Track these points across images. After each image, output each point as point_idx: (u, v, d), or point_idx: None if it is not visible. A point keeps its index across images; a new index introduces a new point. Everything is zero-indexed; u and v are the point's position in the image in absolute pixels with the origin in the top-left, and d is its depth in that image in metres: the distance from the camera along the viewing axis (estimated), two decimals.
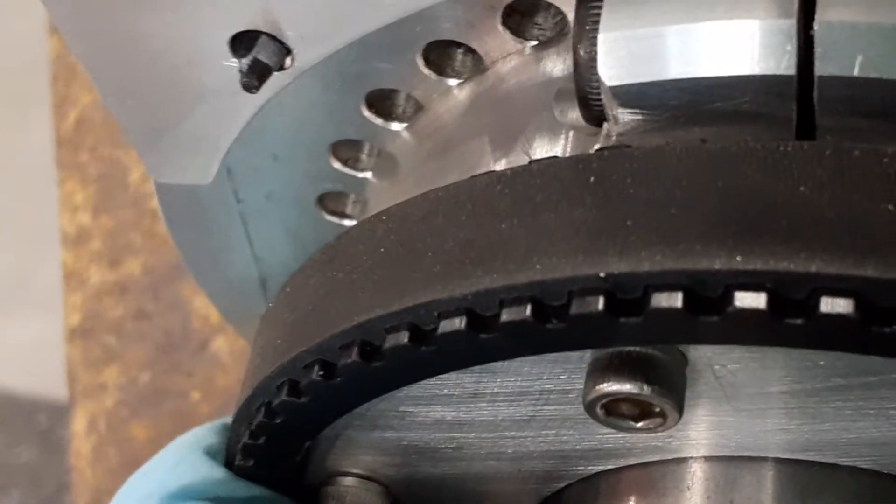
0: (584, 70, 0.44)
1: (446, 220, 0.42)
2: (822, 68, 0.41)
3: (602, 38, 0.43)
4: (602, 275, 0.38)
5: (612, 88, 0.43)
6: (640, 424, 0.43)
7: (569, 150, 0.47)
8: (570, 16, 0.46)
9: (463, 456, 0.49)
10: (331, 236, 0.48)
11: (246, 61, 0.47)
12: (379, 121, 0.53)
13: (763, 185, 0.38)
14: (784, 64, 0.41)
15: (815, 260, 0.36)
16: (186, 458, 0.50)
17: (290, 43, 0.48)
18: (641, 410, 0.43)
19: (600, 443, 0.47)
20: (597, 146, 0.44)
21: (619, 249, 0.38)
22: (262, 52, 0.47)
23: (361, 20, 0.47)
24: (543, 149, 0.47)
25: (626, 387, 0.41)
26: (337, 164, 0.55)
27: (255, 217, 0.58)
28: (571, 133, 0.47)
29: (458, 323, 0.40)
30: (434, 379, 0.44)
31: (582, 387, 0.42)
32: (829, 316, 0.36)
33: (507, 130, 0.49)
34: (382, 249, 0.44)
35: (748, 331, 0.38)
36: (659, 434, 0.44)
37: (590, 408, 0.42)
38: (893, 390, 0.41)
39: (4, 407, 1.75)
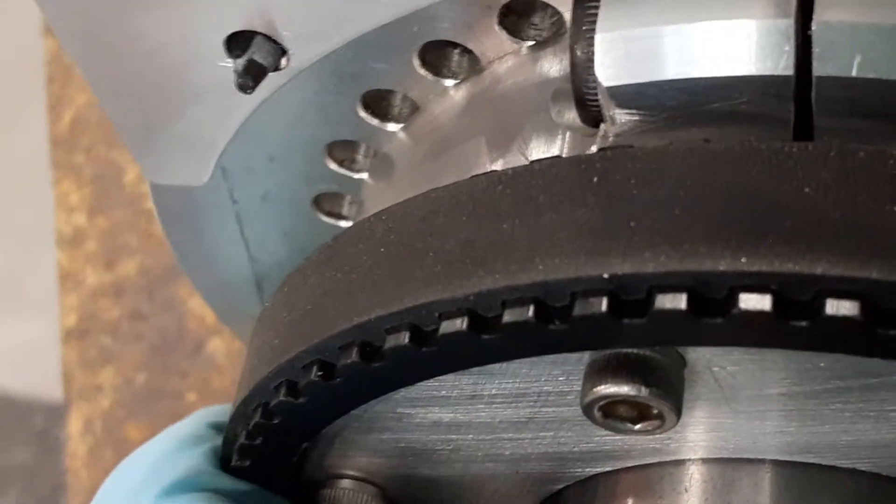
0: (581, 70, 0.44)
1: (447, 219, 0.42)
2: (820, 69, 0.41)
3: (599, 39, 0.42)
4: (605, 276, 0.38)
5: (609, 89, 0.43)
6: (637, 426, 0.43)
7: (566, 150, 0.46)
8: (567, 16, 0.46)
9: (460, 458, 0.48)
10: (326, 237, 0.48)
11: (241, 61, 0.47)
12: (375, 121, 0.53)
13: (767, 185, 0.38)
14: (782, 64, 0.41)
15: (821, 261, 0.36)
16: (183, 448, 0.49)
17: (286, 43, 0.47)
18: (639, 412, 0.43)
19: (598, 445, 0.46)
20: (595, 147, 0.44)
21: (623, 250, 0.38)
22: (258, 53, 0.47)
23: (357, 20, 0.47)
24: (540, 149, 0.47)
25: (624, 389, 0.41)
26: (333, 165, 0.55)
27: (251, 218, 0.58)
28: (568, 134, 0.47)
29: (460, 324, 0.40)
30: (432, 380, 0.44)
31: (580, 389, 0.42)
32: (834, 318, 0.36)
33: (503, 131, 0.49)
34: (382, 249, 0.43)
35: (752, 333, 0.38)
36: (657, 436, 0.44)
37: (588, 410, 0.42)
38: (893, 392, 0.41)
39: (0, 408, 1.74)
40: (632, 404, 0.42)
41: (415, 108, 0.52)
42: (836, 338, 0.37)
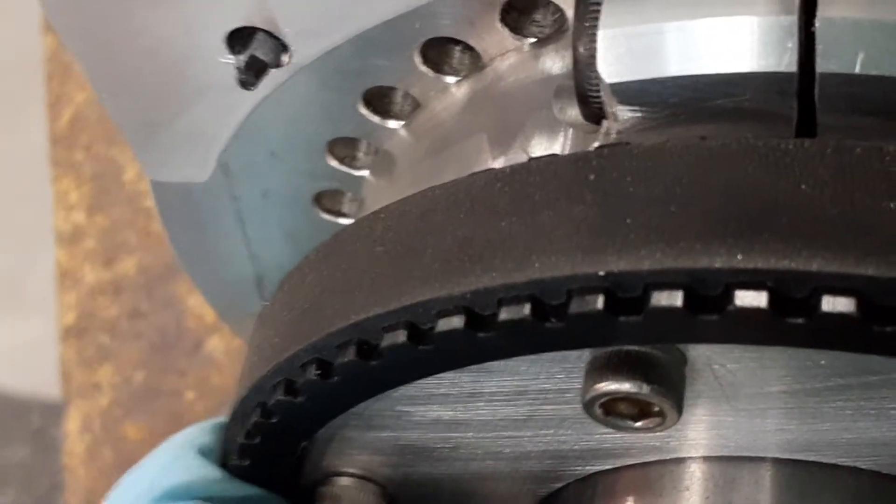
0: (584, 67, 0.43)
1: (445, 217, 0.42)
2: (823, 65, 0.41)
3: (602, 35, 0.42)
4: (602, 273, 0.38)
5: (612, 86, 0.43)
6: (638, 424, 0.43)
7: (568, 147, 0.46)
8: (569, 13, 0.46)
9: (460, 456, 0.48)
10: (327, 235, 0.48)
11: (243, 58, 0.47)
12: (376, 118, 0.52)
13: (764, 182, 0.38)
14: (785, 61, 0.41)
15: (817, 258, 0.36)
16: (180, 457, 0.49)
17: (287, 39, 0.47)
18: (640, 410, 0.43)
19: (598, 443, 0.46)
20: (596, 144, 0.44)
21: (619, 248, 0.38)
22: (259, 49, 0.47)
23: (359, 16, 0.47)
24: (542, 146, 0.47)
25: (625, 386, 0.40)
26: (334, 162, 0.55)
27: (252, 215, 0.58)
28: (570, 131, 0.47)
29: (457, 322, 0.40)
30: (431, 378, 0.44)
31: (580, 386, 0.42)
32: (830, 315, 0.36)
33: (505, 128, 0.49)
34: (380, 247, 0.43)
35: (748, 330, 0.38)
36: (657, 434, 0.44)
37: (588, 407, 0.42)
38: (894, 390, 0.41)
39: None
40: (633, 401, 0.42)
41: (416, 106, 0.52)
42: (832, 335, 0.37)
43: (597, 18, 0.43)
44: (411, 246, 0.42)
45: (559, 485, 0.50)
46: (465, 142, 0.50)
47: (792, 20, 0.41)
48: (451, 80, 0.51)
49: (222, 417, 0.51)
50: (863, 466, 0.45)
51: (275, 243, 0.59)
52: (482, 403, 0.45)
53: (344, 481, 0.50)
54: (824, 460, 0.45)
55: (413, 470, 0.49)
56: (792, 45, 0.41)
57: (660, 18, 0.42)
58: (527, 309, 0.39)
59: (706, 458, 0.46)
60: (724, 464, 0.46)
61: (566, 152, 0.46)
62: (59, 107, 0.98)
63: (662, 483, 0.47)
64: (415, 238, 0.42)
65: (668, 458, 0.47)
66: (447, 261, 0.40)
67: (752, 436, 0.45)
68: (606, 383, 0.41)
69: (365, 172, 0.55)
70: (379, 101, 0.52)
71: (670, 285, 0.37)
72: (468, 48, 0.49)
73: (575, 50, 0.44)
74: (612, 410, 0.42)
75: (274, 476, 0.49)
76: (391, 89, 0.52)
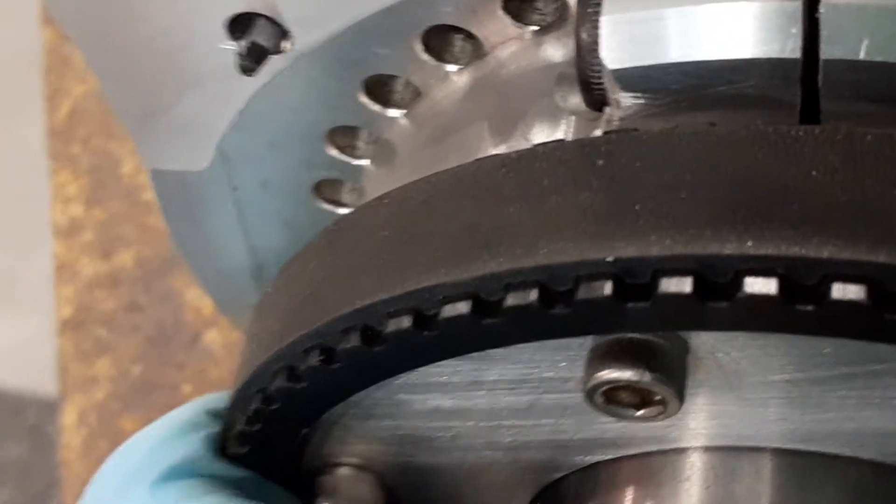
0: (586, 53, 0.43)
1: (450, 203, 0.42)
2: (827, 51, 0.40)
3: (605, 21, 0.42)
4: (610, 259, 0.37)
5: (615, 72, 0.43)
6: (640, 413, 0.43)
7: (570, 135, 0.46)
8: (571, 0, 0.46)
9: (460, 445, 0.48)
10: (326, 225, 0.48)
11: (243, 44, 0.47)
12: (377, 107, 0.52)
13: (774, 169, 0.38)
14: (789, 47, 0.41)
15: (828, 245, 0.36)
16: (179, 434, 0.49)
17: (288, 25, 0.47)
18: (642, 398, 0.42)
19: (599, 432, 0.46)
20: (598, 131, 0.44)
21: (628, 234, 0.38)
22: (260, 35, 0.47)
23: (359, 3, 0.47)
24: (544, 134, 0.47)
25: (627, 374, 0.40)
26: (334, 152, 0.55)
27: (251, 205, 0.58)
28: (572, 119, 0.46)
29: (462, 307, 0.40)
30: (432, 366, 0.43)
31: (582, 375, 0.42)
32: (840, 302, 0.36)
33: (506, 116, 0.49)
34: (384, 233, 0.43)
35: (758, 317, 0.37)
36: (659, 423, 0.44)
37: (590, 395, 0.42)
38: None
39: None
40: (634, 390, 0.42)
41: (417, 94, 0.52)
42: (842, 322, 0.37)
43: (599, 4, 0.43)
44: (416, 231, 0.42)
45: (559, 475, 0.49)
46: (466, 130, 0.50)
47: (796, 6, 0.41)
48: (452, 68, 0.50)
49: (217, 395, 0.50)
50: (865, 457, 0.44)
51: (274, 233, 0.59)
52: (483, 392, 0.45)
53: (343, 470, 0.50)
54: (826, 450, 0.44)
55: (412, 459, 0.49)
56: (796, 31, 0.41)
57: (664, 3, 0.42)
58: (534, 295, 0.38)
59: (707, 448, 0.46)
60: (726, 454, 0.46)
61: (568, 140, 0.46)
62: (57, 100, 0.98)
63: (663, 473, 0.46)
64: (420, 223, 0.42)
65: (668, 448, 0.46)
66: (453, 246, 0.40)
67: (753, 425, 0.44)
68: (608, 371, 0.40)
69: (365, 162, 0.55)
70: (379, 89, 0.52)
71: (679, 272, 0.37)
72: (470, 36, 0.49)
73: (577, 36, 0.43)
74: (613, 399, 0.42)
75: (273, 463, 0.49)
76: (392, 77, 0.52)
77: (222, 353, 0.88)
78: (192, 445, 0.49)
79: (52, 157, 0.96)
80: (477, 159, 0.43)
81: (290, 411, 0.46)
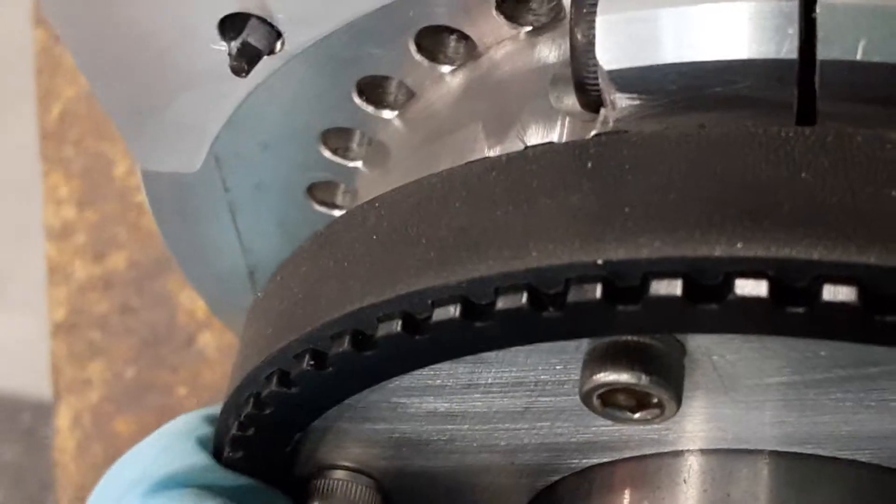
0: (582, 54, 0.43)
1: (440, 206, 0.42)
2: (824, 52, 0.40)
3: (600, 21, 0.42)
4: (600, 262, 0.37)
5: (610, 73, 0.42)
6: (637, 415, 0.42)
7: (565, 136, 0.46)
8: (566, 1, 0.45)
9: (455, 448, 0.48)
10: (320, 227, 0.48)
11: (235, 44, 0.46)
12: (370, 108, 0.52)
13: (764, 170, 0.37)
14: (785, 48, 0.41)
15: (818, 247, 0.36)
16: (173, 445, 0.49)
17: (281, 26, 0.47)
18: (638, 401, 0.42)
19: (595, 435, 0.46)
20: (593, 132, 0.43)
21: (617, 236, 0.37)
22: (252, 35, 0.46)
23: (352, 3, 0.47)
24: (538, 136, 0.47)
25: (624, 377, 0.40)
26: (327, 153, 0.55)
27: (244, 207, 0.58)
28: (567, 120, 0.46)
29: (453, 311, 0.39)
30: (427, 369, 0.43)
31: (578, 377, 0.42)
32: (831, 304, 0.36)
33: (501, 117, 0.48)
34: (375, 236, 0.43)
35: (748, 319, 0.37)
36: (655, 426, 0.44)
37: (586, 398, 0.42)
38: (894, 381, 0.41)
39: None
40: (631, 393, 0.42)
41: (410, 95, 0.52)
42: (833, 324, 0.37)
43: (595, 4, 0.42)
44: (406, 235, 0.42)
45: (556, 478, 0.49)
46: (460, 132, 0.50)
47: (792, 6, 0.40)
48: (445, 69, 0.50)
49: (214, 407, 0.50)
50: (862, 459, 0.44)
51: (267, 236, 0.59)
52: (479, 395, 0.45)
53: (338, 474, 0.50)
54: (823, 453, 0.44)
55: (408, 463, 0.49)
56: (792, 31, 0.40)
57: (659, 4, 0.41)
58: (524, 298, 0.38)
59: (704, 451, 0.46)
60: (722, 456, 0.45)
61: (563, 141, 0.46)
62: (49, 101, 0.98)
63: (660, 476, 0.46)
64: (410, 227, 0.42)
65: (665, 450, 0.46)
66: (443, 249, 0.40)
67: (750, 428, 0.44)
68: (605, 374, 0.40)
69: (358, 163, 0.55)
70: (373, 90, 0.52)
71: (669, 274, 0.37)
72: (463, 37, 0.49)
73: (573, 36, 0.43)
74: (610, 402, 0.42)
75: (267, 468, 0.49)
76: (385, 78, 0.51)
77: (216, 355, 0.88)
78: (188, 456, 0.48)
79: (44, 159, 0.95)
80: (467, 162, 0.43)
81: (282, 416, 0.46)
